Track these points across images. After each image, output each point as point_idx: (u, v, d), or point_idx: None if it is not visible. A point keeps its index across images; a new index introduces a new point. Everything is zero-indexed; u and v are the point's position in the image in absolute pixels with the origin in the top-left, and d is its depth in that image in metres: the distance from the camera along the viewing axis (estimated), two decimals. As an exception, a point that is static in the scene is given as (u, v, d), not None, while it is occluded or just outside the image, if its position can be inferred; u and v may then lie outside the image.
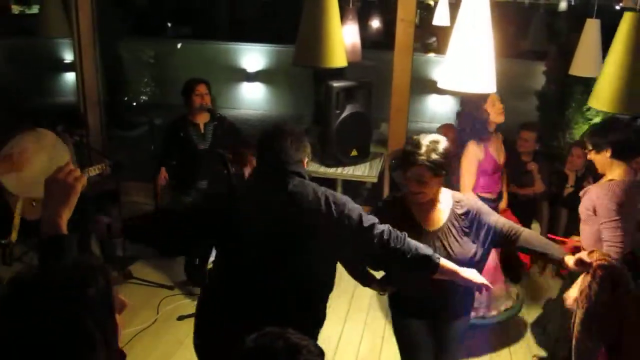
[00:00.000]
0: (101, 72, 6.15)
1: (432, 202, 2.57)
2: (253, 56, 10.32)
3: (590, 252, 2.24)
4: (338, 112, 4.59)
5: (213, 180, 4.47)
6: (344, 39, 2.92)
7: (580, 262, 2.26)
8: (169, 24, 11.48)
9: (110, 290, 1.17)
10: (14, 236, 3.54)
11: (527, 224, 4.89)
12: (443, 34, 9.24)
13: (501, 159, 3.99)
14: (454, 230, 2.53)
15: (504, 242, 2.56)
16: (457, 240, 2.52)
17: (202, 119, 4.47)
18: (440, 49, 9.31)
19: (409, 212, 2.58)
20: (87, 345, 1.07)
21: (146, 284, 4.57)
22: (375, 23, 7.27)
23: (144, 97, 9.62)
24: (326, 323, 2.54)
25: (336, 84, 4.55)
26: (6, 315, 1.05)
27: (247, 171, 4.09)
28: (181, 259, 4.67)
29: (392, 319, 2.86)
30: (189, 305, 4.32)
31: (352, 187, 5.06)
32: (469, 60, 2.08)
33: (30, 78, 9.94)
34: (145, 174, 5.66)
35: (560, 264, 2.39)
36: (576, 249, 2.91)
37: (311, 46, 2.63)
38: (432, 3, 9.32)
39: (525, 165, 4.86)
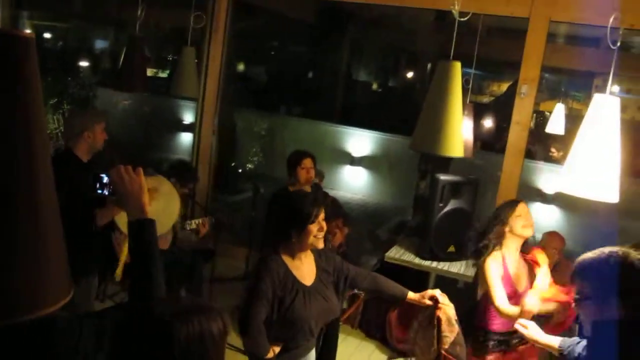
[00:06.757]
0: (216, 136, 6.47)
1: (306, 257, 2.66)
2: (360, 141, 10.53)
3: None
4: (441, 205, 4.53)
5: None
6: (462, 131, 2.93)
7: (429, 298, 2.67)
8: (283, 102, 12.07)
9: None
10: (118, 273, 3.67)
11: None
12: (552, 141, 9.10)
13: (521, 286, 3.17)
14: (324, 282, 2.66)
15: (354, 284, 2.78)
16: (328, 290, 2.66)
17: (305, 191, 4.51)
18: (552, 157, 9.15)
19: (289, 270, 2.60)
20: None
21: (231, 348, 4.53)
22: (488, 123, 7.25)
23: (250, 166, 9.99)
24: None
25: (443, 177, 4.51)
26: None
27: (337, 240, 4.08)
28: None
29: None
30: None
31: (445, 283, 4.90)
32: (594, 167, 2.02)
33: (152, 134, 10.67)
34: (242, 238, 5.81)
35: (403, 299, 2.72)
36: None
37: (431, 133, 2.65)
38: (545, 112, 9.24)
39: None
